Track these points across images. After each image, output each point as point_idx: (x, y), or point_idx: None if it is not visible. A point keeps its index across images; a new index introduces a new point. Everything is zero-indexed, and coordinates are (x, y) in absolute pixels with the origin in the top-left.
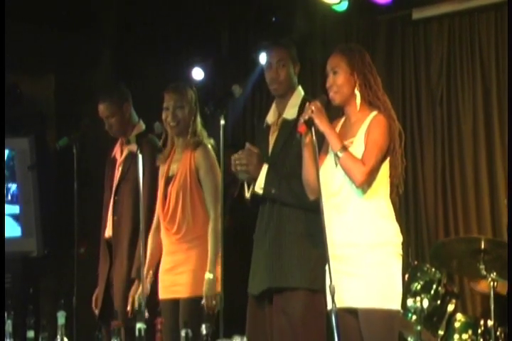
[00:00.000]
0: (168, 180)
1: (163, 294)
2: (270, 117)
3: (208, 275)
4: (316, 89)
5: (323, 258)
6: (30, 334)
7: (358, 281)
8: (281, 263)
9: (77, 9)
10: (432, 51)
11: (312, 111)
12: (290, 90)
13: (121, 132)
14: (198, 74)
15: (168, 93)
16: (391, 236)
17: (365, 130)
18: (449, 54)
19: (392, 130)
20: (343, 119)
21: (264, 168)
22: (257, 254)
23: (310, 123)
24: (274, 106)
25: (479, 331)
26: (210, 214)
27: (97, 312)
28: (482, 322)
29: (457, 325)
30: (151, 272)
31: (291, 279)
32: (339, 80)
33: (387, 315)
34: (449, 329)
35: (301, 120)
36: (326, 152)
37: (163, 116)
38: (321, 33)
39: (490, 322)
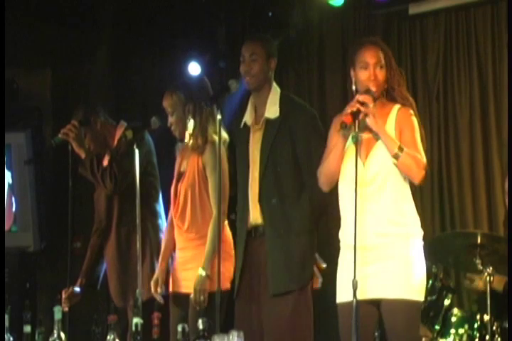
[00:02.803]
0: (179, 176)
1: (174, 287)
2: (248, 117)
3: (201, 272)
4: (313, 85)
5: (313, 256)
6: (27, 329)
7: (385, 271)
8: (283, 267)
9: (75, 4)
10: (429, 46)
11: (361, 104)
12: (265, 85)
13: (101, 146)
14: (194, 69)
15: (163, 100)
16: (419, 228)
17: (393, 123)
18: (445, 49)
19: (419, 124)
20: None
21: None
22: (237, 262)
23: (357, 115)
24: (249, 105)
25: (476, 325)
26: (212, 212)
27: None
28: (478, 316)
29: (453, 319)
30: (164, 264)
31: (279, 286)
32: (381, 75)
33: (412, 306)
34: (446, 324)
35: (348, 110)
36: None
37: None
38: (318, 28)
39: (486, 317)
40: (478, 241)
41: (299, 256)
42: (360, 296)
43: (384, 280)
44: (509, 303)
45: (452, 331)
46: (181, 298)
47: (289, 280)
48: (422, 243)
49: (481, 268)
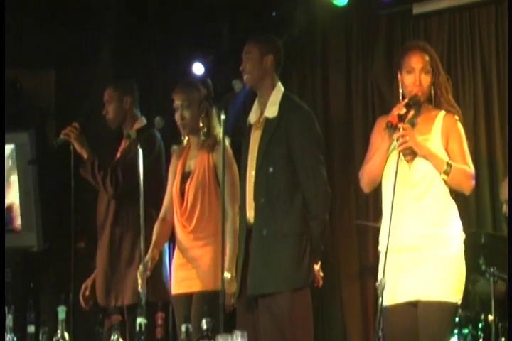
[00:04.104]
0: (185, 176)
1: (176, 289)
2: (252, 116)
3: (226, 275)
4: (316, 85)
5: (311, 255)
6: (31, 329)
7: (424, 273)
8: (262, 268)
9: (78, 5)
10: (432, 46)
11: (409, 106)
12: (265, 84)
13: (115, 121)
14: (198, 69)
15: (176, 93)
16: (460, 231)
17: (439, 130)
18: (449, 49)
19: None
20: None
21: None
22: (238, 261)
23: (402, 118)
24: (255, 104)
25: (480, 326)
26: (227, 213)
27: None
28: (483, 316)
29: (457, 319)
30: (156, 251)
31: (273, 284)
32: (426, 80)
33: (448, 308)
34: None
35: (395, 112)
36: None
37: (175, 116)
38: (321, 28)
39: (490, 317)
40: (482, 241)
41: (284, 258)
42: (399, 299)
43: (422, 281)
44: (509, 303)
45: (456, 331)
46: (184, 299)
47: (269, 282)
48: (462, 245)
49: (485, 268)
